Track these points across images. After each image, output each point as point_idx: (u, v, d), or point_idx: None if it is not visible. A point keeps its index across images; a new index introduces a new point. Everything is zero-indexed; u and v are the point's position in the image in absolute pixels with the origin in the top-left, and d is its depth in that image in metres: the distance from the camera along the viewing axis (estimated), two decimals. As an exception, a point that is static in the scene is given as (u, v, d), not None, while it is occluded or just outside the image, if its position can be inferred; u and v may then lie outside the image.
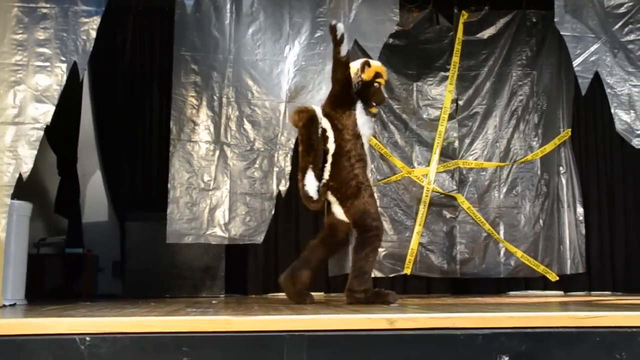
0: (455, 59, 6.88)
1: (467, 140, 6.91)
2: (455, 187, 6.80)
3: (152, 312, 2.91)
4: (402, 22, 6.71)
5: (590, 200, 6.88)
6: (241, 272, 6.38)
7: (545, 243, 6.78)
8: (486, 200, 6.81)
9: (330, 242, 4.13)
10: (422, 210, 6.66)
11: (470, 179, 6.84)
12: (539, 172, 6.88)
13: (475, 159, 6.87)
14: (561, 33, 6.20)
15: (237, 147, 6.16)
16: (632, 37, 6.38)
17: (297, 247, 6.68)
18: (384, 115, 6.84)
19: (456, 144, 6.88)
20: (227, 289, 6.10)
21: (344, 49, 3.87)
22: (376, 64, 4.20)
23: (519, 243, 6.73)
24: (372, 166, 6.75)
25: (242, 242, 6.12)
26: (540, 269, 6.68)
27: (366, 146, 4.10)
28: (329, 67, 6.27)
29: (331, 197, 3.99)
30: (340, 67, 3.91)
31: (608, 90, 6.32)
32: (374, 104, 4.11)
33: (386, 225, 6.66)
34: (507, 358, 2.31)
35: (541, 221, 6.80)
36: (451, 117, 6.88)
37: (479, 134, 6.92)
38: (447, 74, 6.88)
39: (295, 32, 6.35)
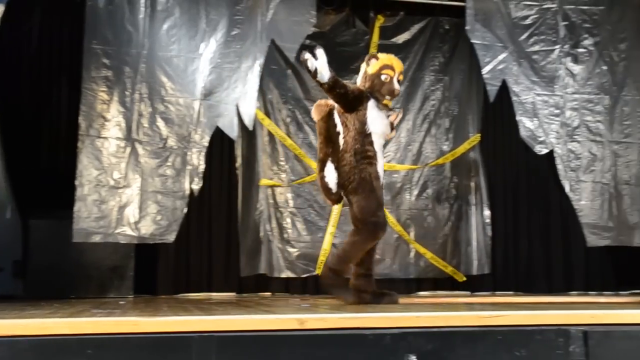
0: (371, 62, 6.98)
1: (381, 143, 7.01)
2: (368, 189, 6.89)
3: (54, 314, 2.81)
4: (319, 24, 6.76)
5: (497, 203, 7.13)
6: (151, 272, 6.24)
7: (453, 244, 6.97)
8: (398, 202, 6.94)
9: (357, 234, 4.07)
10: (335, 211, 6.72)
11: (383, 181, 6.94)
12: (449, 175, 7.07)
13: (388, 162, 6.98)
14: (471, 41, 6.41)
15: (149, 145, 6.04)
16: (536, 47, 6.68)
17: (209, 247, 6.61)
18: (300, 116, 6.87)
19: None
20: (136, 290, 5.95)
21: (324, 76, 3.78)
22: (385, 56, 4.11)
23: (428, 244, 6.89)
24: (287, 166, 6.77)
25: (152, 241, 6.00)
26: (449, 269, 6.87)
27: (379, 143, 4.02)
28: (245, 65, 6.28)
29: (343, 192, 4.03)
30: (328, 92, 3.90)
31: (514, 98, 6.59)
32: (386, 96, 4.02)
33: (300, 225, 6.70)
34: (415, 357, 2.36)
35: (450, 223, 6.98)
36: (365, 119, 6.96)
37: (392, 137, 7.04)
38: (362, 76, 6.97)
39: (211, 29, 6.28)
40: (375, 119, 3.98)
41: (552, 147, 6.74)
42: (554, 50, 6.76)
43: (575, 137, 6.84)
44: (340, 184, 3.97)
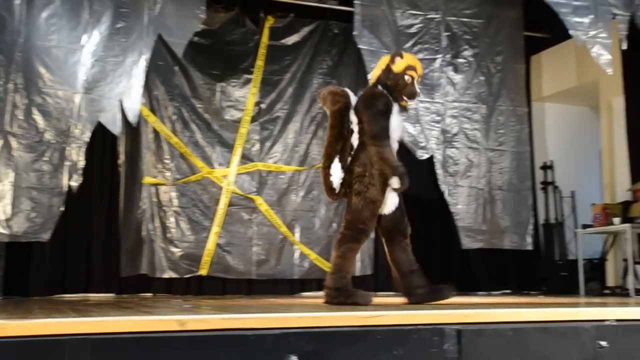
0: (260, 62, 6.97)
1: (268, 144, 7.02)
2: (254, 189, 6.88)
3: None
4: (209, 21, 6.68)
5: (380, 205, 7.29)
6: (23, 272, 5.92)
7: (337, 246, 7.07)
8: (284, 203, 6.97)
9: (383, 235, 3.93)
10: (221, 211, 6.65)
11: (270, 181, 6.96)
12: (334, 178, 7.15)
13: (275, 162, 7.00)
14: (359, 46, 6.54)
15: (23, 138, 5.74)
16: (420, 56, 6.91)
17: (88, 246, 6.36)
18: (186, 114, 6.75)
19: (257, 146, 6.96)
20: (6, 291, 5.63)
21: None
22: (409, 56, 3.90)
23: (313, 245, 6.95)
24: (172, 165, 6.63)
25: (25, 239, 5.71)
26: (332, 270, 6.95)
27: (394, 148, 3.80)
28: (130, 60, 6.10)
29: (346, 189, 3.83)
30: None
31: (408, 104, 6.76)
32: (405, 98, 3.81)
33: (184, 225, 6.58)
34: (296, 357, 2.36)
35: (335, 224, 7.08)
36: (253, 119, 6.95)
37: (280, 138, 7.06)
38: (251, 76, 6.95)
39: (94, 21, 6.06)
40: (396, 125, 3.80)
41: (433, 152, 7.00)
42: (436, 59, 7.02)
43: (454, 143, 7.13)
44: (346, 182, 3.78)
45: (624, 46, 5.39)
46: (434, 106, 6.99)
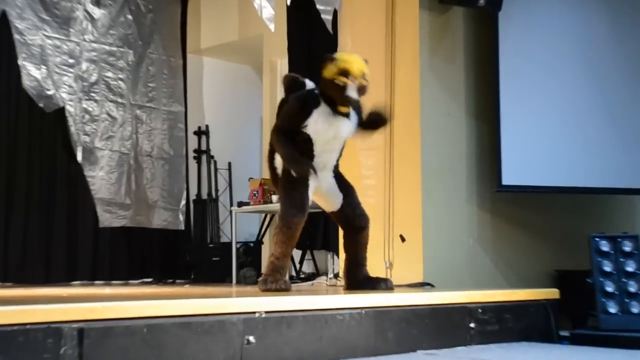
0: None
1: None
2: None
3: None
4: None
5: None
6: None
7: None
8: None
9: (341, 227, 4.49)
10: None
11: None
12: None
13: None
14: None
15: None
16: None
17: None
18: None
19: None
20: None
21: None
22: (344, 59, 3.94)
23: None
24: None
25: None
26: None
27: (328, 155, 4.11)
28: None
29: None
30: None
31: (16, 37, 6.45)
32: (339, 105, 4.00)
33: None
34: None
35: None
36: None
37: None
38: None
39: None
40: (321, 128, 4.04)
41: (64, 103, 6.77)
42: (71, -15, 6.81)
43: (93, 94, 6.99)
44: None
45: (288, 2, 5.73)
46: (67, 45, 6.78)
